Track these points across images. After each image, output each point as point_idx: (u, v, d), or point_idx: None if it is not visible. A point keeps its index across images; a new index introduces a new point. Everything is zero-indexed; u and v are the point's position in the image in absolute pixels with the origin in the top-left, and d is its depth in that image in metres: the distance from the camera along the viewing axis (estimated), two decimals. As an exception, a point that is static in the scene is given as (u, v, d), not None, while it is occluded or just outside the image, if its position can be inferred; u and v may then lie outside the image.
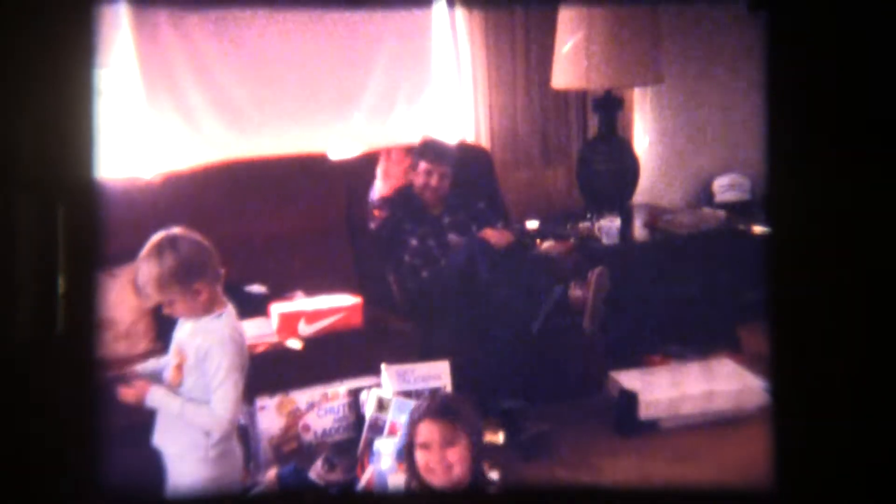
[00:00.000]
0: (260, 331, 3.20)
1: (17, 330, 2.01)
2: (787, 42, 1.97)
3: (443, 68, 4.14)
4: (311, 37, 3.81)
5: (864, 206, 1.96)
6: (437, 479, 2.38)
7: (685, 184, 4.56)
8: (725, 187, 4.45)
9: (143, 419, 2.47)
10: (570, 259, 3.78)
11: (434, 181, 3.71)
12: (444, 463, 2.37)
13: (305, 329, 3.24)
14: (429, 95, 4.09)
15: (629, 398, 3.32)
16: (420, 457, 2.39)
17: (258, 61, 3.74)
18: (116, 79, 3.56)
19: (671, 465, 3.07)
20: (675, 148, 4.55)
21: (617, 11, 3.83)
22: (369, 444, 2.91)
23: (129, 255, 2.47)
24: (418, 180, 3.71)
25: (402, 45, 3.99)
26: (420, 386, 3.06)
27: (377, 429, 2.94)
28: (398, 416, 2.89)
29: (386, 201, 3.65)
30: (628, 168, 4.17)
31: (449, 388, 3.08)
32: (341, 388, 3.10)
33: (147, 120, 3.62)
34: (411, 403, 2.78)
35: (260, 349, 3.11)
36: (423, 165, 3.70)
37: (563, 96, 4.29)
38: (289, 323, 3.24)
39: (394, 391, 3.00)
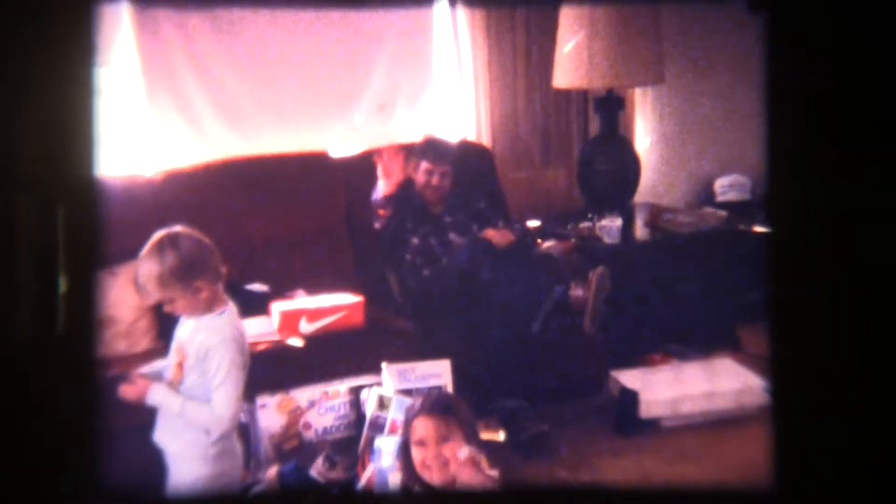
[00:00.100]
0: (261, 329, 3.20)
1: (17, 330, 2.01)
2: (787, 42, 1.97)
3: (444, 67, 4.14)
4: (313, 36, 3.81)
5: (864, 206, 1.96)
6: (433, 475, 2.39)
7: (686, 183, 4.56)
8: (726, 187, 4.45)
9: (144, 419, 2.48)
10: (570, 259, 3.79)
11: (435, 180, 3.71)
12: (439, 459, 2.38)
13: (306, 327, 3.25)
14: (430, 95, 4.10)
15: (630, 397, 3.32)
16: (416, 454, 2.40)
17: (259, 60, 3.75)
18: (118, 77, 3.56)
19: (672, 465, 3.07)
20: (676, 148, 4.55)
21: (618, 11, 3.83)
22: (370, 442, 2.91)
23: (130, 253, 2.47)
24: (420, 179, 3.71)
25: (403, 45, 4.00)
26: (421, 384, 3.06)
27: (378, 427, 2.94)
28: (399, 414, 2.88)
29: (389, 199, 3.66)
30: (629, 168, 4.17)
31: (450, 387, 3.08)
32: (342, 387, 3.10)
33: (148, 118, 3.63)
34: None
35: (261, 347, 3.11)
36: (424, 164, 3.71)
37: (564, 96, 4.29)
38: (290, 321, 3.24)
39: (395, 389, 3.00)
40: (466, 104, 4.21)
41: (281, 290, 3.40)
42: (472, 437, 2.44)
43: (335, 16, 3.83)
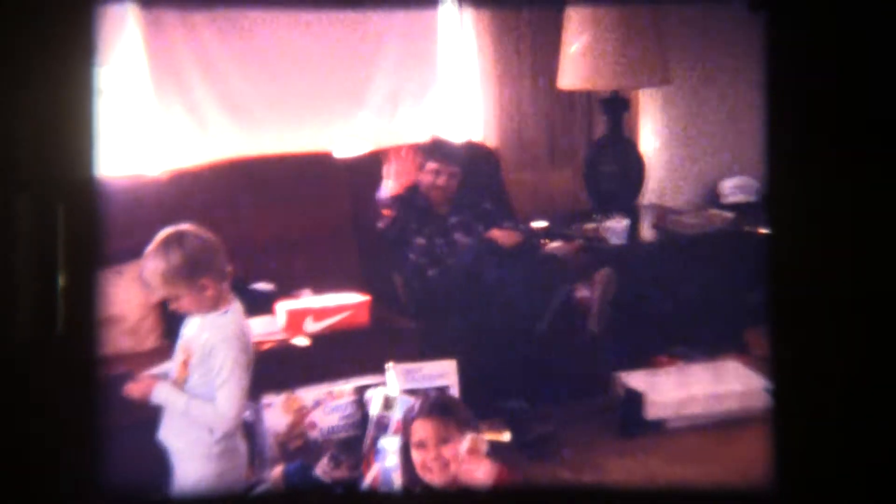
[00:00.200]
0: (267, 328, 3.21)
1: (17, 330, 2.02)
2: (787, 42, 1.97)
3: (450, 67, 4.14)
4: (318, 35, 3.82)
5: (864, 206, 1.96)
6: (433, 477, 2.39)
7: (693, 185, 4.55)
8: (733, 189, 4.44)
9: (146, 417, 2.49)
10: (576, 260, 3.78)
11: (442, 181, 3.72)
12: (440, 461, 2.38)
13: (312, 326, 3.25)
14: (435, 95, 4.10)
15: (635, 398, 3.32)
16: (416, 456, 2.41)
17: (265, 60, 3.76)
18: (124, 77, 3.58)
19: (677, 467, 3.07)
20: (682, 149, 4.54)
21: (624, 12, 3.83)
22: (375, 441, 2.91)
23: (136, 252, 2.48)
24: (426, 179, 3.72)
25: (408, 44, 4.00)
26: (426, 385, 3.06)
27: (383, 427, 2.94)
28: (404, 414, 2.89)
29: (395, 200, 3.66)
30: (635, 169, 4.17)
31: (455, 388, 3.08)
32: (347, 386, 3.10)
33: (155, 117, 3.64)
34: (417, 402, 2.79)
35: (266, 346, 3.12)
36: (430, 165, 3.71)
37: (569, 97, 4.28)
38: (296, 320, 3.25)
39: (400, 389, 3.00)
40: (472, 105, 4.21)
41: (287, 289, 3.41)
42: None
43: (340, 15, 3.84)
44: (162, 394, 2.43)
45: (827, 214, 1.98)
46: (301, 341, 3.23)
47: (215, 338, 2.42)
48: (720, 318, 3.80)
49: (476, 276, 3.49)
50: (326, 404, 3.08)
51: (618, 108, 4.13)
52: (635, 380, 3.44)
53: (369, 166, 3.77)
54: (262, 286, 3.39)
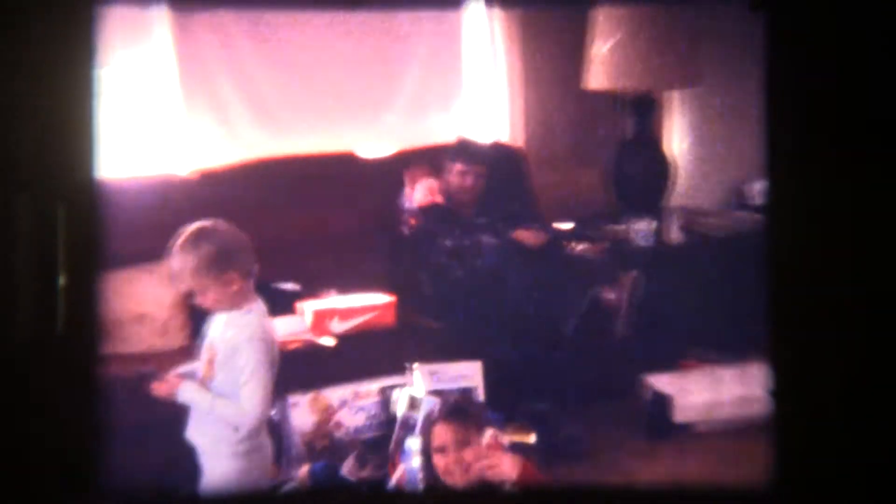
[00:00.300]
0: (293, 328, 3.22)
1: (17, 330, 2.03)
2: (787, 42, 1.96)
3: (477, 68, 4.14)
4: (345, 37, 3.83)
5: (864, 206, 1.95)
6: (455, 480, 2.39)
7: (721, 187, 4.52)
8: (761, 191, 4.40)
9: (152, 417, 2.51)
10: (603, 261, 3.76)
11: (469, 181, 3.71)
12: (461, 464, 2.38)
13: (338, 326, 3.26)
14: (462, 96, 4.10)
15: (662, 401, 3.30)
16: (438, 460, 2.40)
17: (292, 61, 3.78)
18: (154, 77, 3.60)
19: (704, 471, 3.05)
20: (710, 150, 4.50)
21: (654, 13, 3.81)
22: (400, 442, 2.91)
23: (165, 251, 2.50)
24: (453, 180, 3.71)
25: (434, 45, 4.00)
26: (451, 385, 3.06)
27: (408, 427, 2.94)
28: (430, 415, 2.89)
29: (420, 211, 3.65)
30: (662, 170, 4.14)
31: (480, 389, 3.08)
32: (373, 386, 3.11)
33: (183, 118, 3.67)
34: (442, 403, 2.79)
35: (293, 346, 3.13)
36: (457, 165, 3.71)
37: (598, 98, 4.26)
38: (322, 320, 3.26)
39: (425, 390, 3.00)
40: (499, 106, 4.20)
41: (313, 289, 3.42)
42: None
43: (367, 16, 3.84)
44: (187, 392, 2.45)
45: (827, 214, 1.97)
46: (327, 341, 3.23)
47: (239, 336, 2.43)
48: (749, 321, 3.76)
49: (502, 278, 3.48)
50: (352, 404, 3.09)
51: (645, 108, 4.11)
52: (662, 383, 3.42)
53: (396, 167, 3.77)
54: (289, 286, 3.40)
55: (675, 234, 4.03)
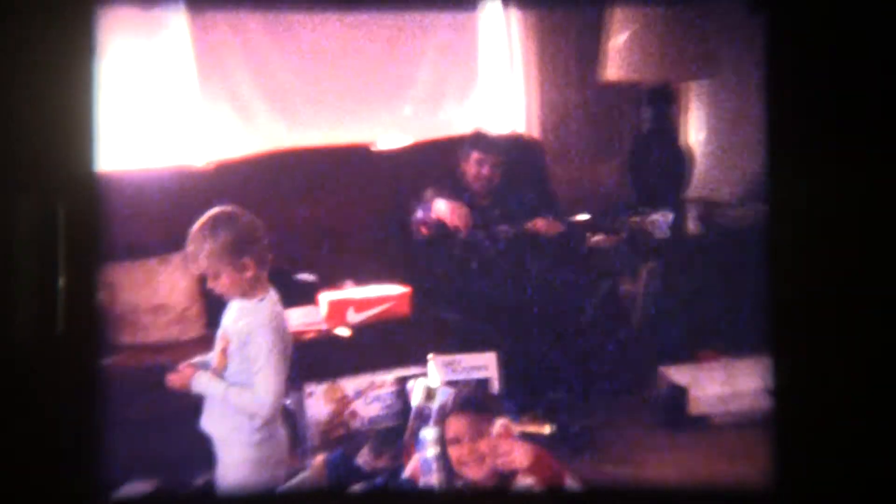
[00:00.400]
0: (309, 318, 3.23)
1: (17, 330, 2.04)
2: (787, 42, 1.95)
3: (493, 60, 4.13)
4: (362, 29, 3.84)
5: (865, 206, 1.94)
6: (470, 471, 2.39)
7: (739, 179, 4.49)
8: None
9: (155, 412, 2.54)
10: (620, 253, 3.75)
11: (486, 171, 3.71)
12: (475, 455, 2.38)
13: (354, 317, 3.27)
14: (479, 87, 4.09)
15: (678, 393, 3.29)
16: (452, 452, 2.40)
17: (309, 53, 3.79)
18: (171, 69, 3.62)
19: (721, 463, 3.04)
20: (729, 142, 4.47)
21: (669, 4, 3.79)
22: (415, 432, 2.91)
23: (181, 241, 2.51)
24: (470, 170, 3.72)
25: (451, 38, 4.00)
26: (467, 376, 3.06)
27: (424, 418, 2.95)
28: (445, 405, 2.89)
29: (440, 226, 3.64)
30: (680, 162, 4.12)
31: (496, 380, 3.08)
32: (389, 377, 3.12)
33: (201, 109, 3.68)
34: (457, 393, 2.79)
35: (309, 336, 3.14)
36: (475, 154, 3.71)
37: (615, 89, 4.24)
38: (337, 311, 3.27)
39: (441, 381, 3.01)
40: (517, 96, 4.20)
41: (329, 279, 3.43)
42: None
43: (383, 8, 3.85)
44: (201, 382, 2.46)
45: (827, 214, 1.96)
46: (343, 331, 3.24)
47: (251, 325, 2.44)
48: (767, 313, 3.74)
49: (518, 268, 3.48)
50: (368, 394, 3.10)
51: (664, 99, 4.09)
52: (679, 374, 3.41)
53: (413, 159, 3.77)
54: (305, 276, 3.41)
55: (692, 226, 4.01)
